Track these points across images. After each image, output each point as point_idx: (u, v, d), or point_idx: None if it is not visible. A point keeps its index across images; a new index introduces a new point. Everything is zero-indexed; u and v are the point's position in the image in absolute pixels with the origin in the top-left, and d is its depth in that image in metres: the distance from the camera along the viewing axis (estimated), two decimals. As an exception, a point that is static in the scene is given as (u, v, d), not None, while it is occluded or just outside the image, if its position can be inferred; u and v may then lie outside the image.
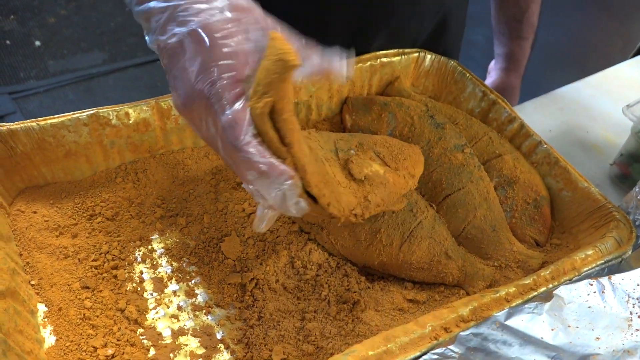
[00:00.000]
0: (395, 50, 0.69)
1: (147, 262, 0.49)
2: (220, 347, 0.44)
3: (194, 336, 0.44)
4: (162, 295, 0.47)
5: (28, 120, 0.49)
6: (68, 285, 0.45)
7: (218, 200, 0.54)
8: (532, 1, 0.82)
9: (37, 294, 0.44)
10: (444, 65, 0.70)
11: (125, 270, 0.47)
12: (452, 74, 0.70)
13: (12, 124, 0.48)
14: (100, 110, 0.51)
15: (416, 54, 0.70)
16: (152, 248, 0.50)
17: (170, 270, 0.49)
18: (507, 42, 0.88)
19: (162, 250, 0.50)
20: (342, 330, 0.45)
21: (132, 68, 1.96)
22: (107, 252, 0.48)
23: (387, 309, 0.48)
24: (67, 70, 1.87)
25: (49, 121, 0.49)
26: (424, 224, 0.52)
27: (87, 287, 0.45)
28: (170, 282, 0.48)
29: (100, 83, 1.84)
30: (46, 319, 0.42)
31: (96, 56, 1.95)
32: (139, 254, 0.49)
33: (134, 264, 0.49)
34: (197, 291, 0.48)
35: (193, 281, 0.48)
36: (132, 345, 0.42)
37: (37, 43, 1.98)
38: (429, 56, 0.70)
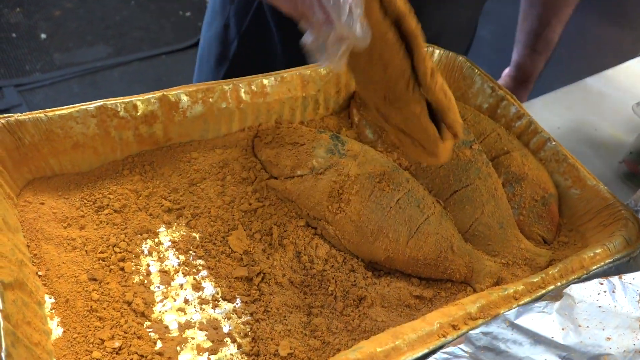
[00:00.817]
0: (403, 45, 0.68)
1: (154, 254, 0.49)
2: (226, 341, 0.44)
3: (201, 329, 0.44)
4: (169, 288, 0.47)
5: (36, 111, 0.49)
6: (75, 277, 0.45)
7: (225, 194, 0.54)
8: (554, 17, 0.81)
9: (45, 285, 0.44)
10: (453, 60, 0.70)
11: (133, 263, 0.47)
12: (460, 70, 0.70)
13: (20, 114, 0.48)
14: (108, 102, 0.51)
15: (424, 49, 0.69)
16: (159, 241, 0.50)
17: (177, 263, 0.48)
18: (520, 51, 0.87)
19: (169, 243, 0.50)
20: (348, 325, 0.45)
21: (137, 62, 1.96)
22: (115, 245, 0.48)
23: (394, 305, 0.48)
24: (72, 63, 1.87)
25: (57, 112, 0.49)
26: (431, 220, 0.52)
27: (95, 279, 0.45)
28: (177, 275, 0.48)
29: (105, 77, 1.84)
30: (53, 311, 0.42)
31: (101, 50, 1.95)
32: (146, 247, 0.49)
33: (141, 256, 0.48)
34: (203, 284, 0.47)
35: (200, 274, 0.48)
36: (139, 337, 0.42)
37: (43, 36, 1.98)
38: (437, 51, 0.70)
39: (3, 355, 0.32)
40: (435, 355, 0.36)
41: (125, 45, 2.00)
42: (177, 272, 0.48)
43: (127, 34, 2.05)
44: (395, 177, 0.55)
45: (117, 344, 0.41)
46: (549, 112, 0.82)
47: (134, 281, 0.46)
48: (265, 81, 0.59)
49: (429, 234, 0.51)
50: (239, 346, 0.43)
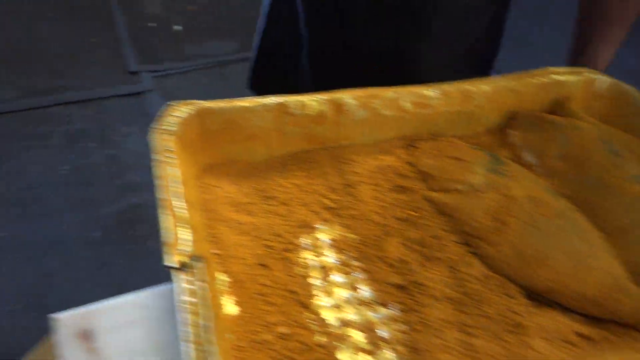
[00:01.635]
0: (567, 69, 0.66)
1: (313, 249, 0.50)
2: (384, 346, 0.44)
3: (359, 330, 0.45)
4: (327, 284, 0.48)
5: (220, 100, 0.53)
6: (244, 259, 0.47)
7: (380, 199, 0.55)
8: (594, 33, 0.70)
9: (219, 264, 0.46)
10: (619, 89, 0.66)
11: (294, 254, 0.49)
12: (626, 99, 0.66)
13: (205, 102, 0.52)
14: (287, 100, 0.53)
15: (589, 75, 0.66)
16: (318, 237, 0.51)
17: (334, 261, 0.50)
18: None
19: (328, 241, 0.51)
20: (509, 352, 0.44)
21: (260, 58, 2.05)
22: (280, 235, 0.50)
23: (554, 338, 0.46)
24: (202, 55, 2.00)
25: (239, 104, 0.53)
26: (598, 255, 0.49)
27: (262, 265, 0.47)
28: (334, 273, 0.49)
29: (231, 70, 1.95)
30: (229, 288, 0.45)
31: (228, 44, 2.06)
32: (306, 241, 0.51)
33: (300, 249, 0.50)
34: (358, 285, 0.48)
35: (355, 275, 0.49)
36: (303, 327, 0.44)
37: (178, 27, 2.13)
38: (602, 78, 0.66)
39: (202, 322, 0.35)
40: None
41: (250, 41, 2.09)
42: (333, 270, 0.49)
43: (253, 32, 2.15)
44: (557, 205, 0.53)
45: (283, 330, 0.43)
46: None
47: (295, 272, 0.48)
48: (427, 92, 0.59)
49: (595, 268, 0.48)
50: (397, 352, 0.44)
